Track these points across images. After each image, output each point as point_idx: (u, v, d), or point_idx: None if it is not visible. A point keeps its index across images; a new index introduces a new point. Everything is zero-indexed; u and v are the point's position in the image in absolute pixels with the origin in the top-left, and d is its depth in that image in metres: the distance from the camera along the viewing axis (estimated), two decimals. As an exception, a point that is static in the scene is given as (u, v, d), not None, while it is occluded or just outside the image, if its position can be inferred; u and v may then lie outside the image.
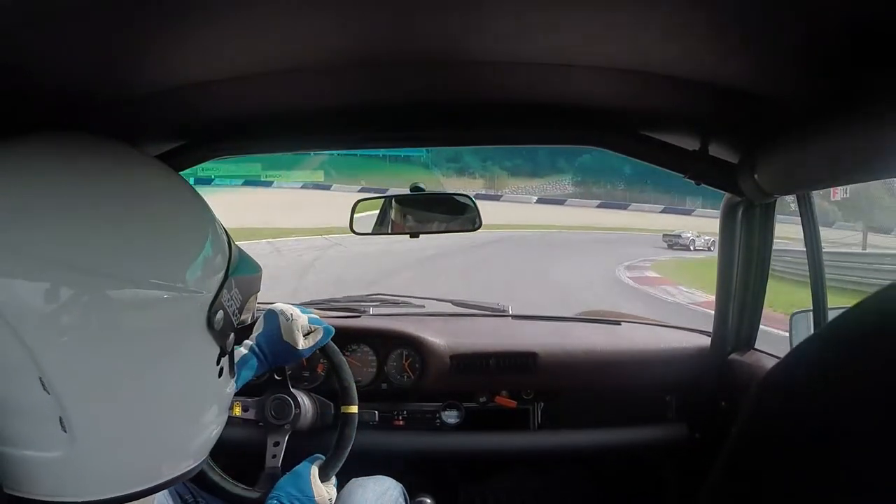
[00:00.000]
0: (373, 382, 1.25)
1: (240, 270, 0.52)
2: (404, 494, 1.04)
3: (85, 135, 0.49)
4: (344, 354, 1.00)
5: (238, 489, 0.94)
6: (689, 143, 0.94)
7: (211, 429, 0.54)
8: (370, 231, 1.20)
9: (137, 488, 0.47)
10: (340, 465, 0.91)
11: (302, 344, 0.91)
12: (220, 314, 0.48)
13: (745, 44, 0.61)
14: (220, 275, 0.49)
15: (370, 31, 0.60)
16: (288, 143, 0.97)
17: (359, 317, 1.44)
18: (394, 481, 1.05)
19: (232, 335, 0.52)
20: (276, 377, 1.03)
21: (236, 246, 0.54)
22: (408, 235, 1.19)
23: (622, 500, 1.35)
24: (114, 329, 0.42)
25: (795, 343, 1.10)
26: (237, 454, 1.03)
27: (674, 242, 17.54)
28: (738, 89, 0.72)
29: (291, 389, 1.03)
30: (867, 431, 0.21)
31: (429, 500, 1.12)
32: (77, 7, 0.46)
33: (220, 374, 0.51)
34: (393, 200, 1.17)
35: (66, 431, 0.42)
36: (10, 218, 0.41)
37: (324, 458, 0.89)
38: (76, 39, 0.53)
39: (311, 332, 0.93)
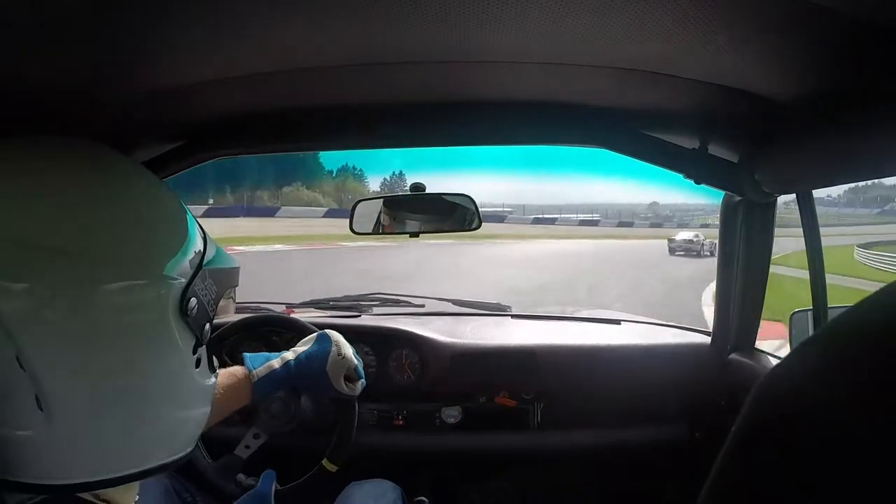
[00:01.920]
0: (372, 382, 1.25)
1: (215, 262, 0.54)
2: (402, 497, 1.04)
3: (68, 137, 0.51)
4: None
5: (202, 456, 0.95)
6: (690, 143, 0.94)
7: (192, 419, 0.54)
8: (370, 231, 1.20)
9: (114, 474, 0.48)
10: (295, 492, 0.91)
11: (341, 386, 0.89)
12: (193, 301, 0.49)
13: (746, 44, 0.61)
14: (194, 263, 0.51)
15: (370, 32, 0.60)
16: (288, 143, 0.97)
17: (358, 316, 1.44)
18: (392, 484, 1.04)
19: (208, 326, 0.53)
20: None
21: (212, 241, 0.56)
22: (407, 235, 1.19)
23: (622, 499, 1.35)
24: (88, 310, 0.44)
25: (795, 343, 1.10)
26: (222, 437, 1.02)
27: (685, 248, 16.29)
28: (738, 89, 0.72)
29: (300, 395, 1.01)
30: (868, 433, 0.21)
31: (427, 501, 1.11)
32: (77, 8, 0.46)
33: (197, 365, 0.52)
34: (393, 200, 1.17)
35: (41, 410, 0.44)
36: None
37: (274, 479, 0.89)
38: (76, 40, 0.53)
39: (354, 380, 0.92)
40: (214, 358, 0.63)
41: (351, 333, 1.27)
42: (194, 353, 0.52)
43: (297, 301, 1.54)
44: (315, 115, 0.88)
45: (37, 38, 0.51)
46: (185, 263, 0.50)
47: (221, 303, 0.56)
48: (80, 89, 0.66)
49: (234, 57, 0.65)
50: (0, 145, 0.48)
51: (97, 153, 0.51)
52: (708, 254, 15.49)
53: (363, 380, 0.93)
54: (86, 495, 0.49)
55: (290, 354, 0.88)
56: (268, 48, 0.63)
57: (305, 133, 0.94)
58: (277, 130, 0.93)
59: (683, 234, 17.62)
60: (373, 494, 0.98)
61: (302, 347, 0.90)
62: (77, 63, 0.59)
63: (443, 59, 0.70)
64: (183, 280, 0.49)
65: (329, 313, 1.49)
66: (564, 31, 0.60)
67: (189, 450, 0.55)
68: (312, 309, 1.52)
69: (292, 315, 1.35)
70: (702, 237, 16.56)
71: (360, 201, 1.16)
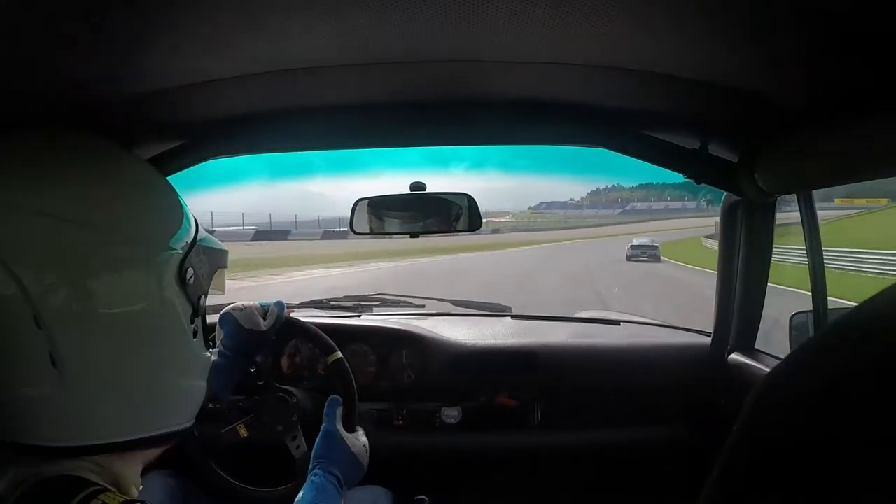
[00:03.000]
0: (373, 382, 1.25)
1: (206, 242, 0.60)
2: (394, 501, 1.04)
3: (79, 131, 0.56)
4: (344, 354, 1.00)
5: (281, 490, 0.95)
6: (690, 143, 0.94)
7: (193, 389, 0.58)
8: (370, 231, 1.20)
9: (121, 437, 0.51)
10: (356, 411, 0.91)
11: (264, 325, 0.95)
12: (190, 272, 0.55)
13: (746, 44, 0.61)
14: (189, 238, 0.57)
15: (371, 32, 0.60)
16: (288, 142, 0.97)
17: (359, 316, 1.44)
18: (383, 490, 1.05)
19: (203, 298, 0.58)
20: (258, 383, 1.03)
21: (202, 227, 0.62)
22: (407, 235, 1.19)
23: (622, 499, 1.35)
24: (99, 272, 0.49)
25: (795, 344, 1.10)
26: (261, 461, 1.02)
27: (649, 253, 15.48)
28: (739, 89, 0.72)
29: (279, 385, 1.03)
30: (867, 436, 0.21)
31: (427, 500, 1.12)
32: (78, 8, 0.46)
33: (194, 335, 0.57)
34: (393, 200, 1.17)
35: (55, 367, 0.47)
36: (7, 179, 0.48)
37: (339, 401, 0.89)
38: (77, 40, 0.53)
39: (268, 312, 0.96)
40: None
41: (351, 333, 1.28)
42: (191, 322, 0.56)
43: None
44: (314, 114, 0.88)
45: (36, 38, 0.51)
46: (182, 237, 0.56)
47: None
48: (80, 89, 0.66)
49: (233, 57, 0.65)
50: (17, 136, 0.52)
51: (106, 144, 0.56)
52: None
53: (273, 304, 0.97)
54: (91, 476, 0.50)
55: (217, 348, 0.93)
56: (267, 48, 0.63)
57: (304, 133, 0.94)
58: (276, 130, 0.93)
59: (640, 240, 17.03)
60: (365, 500, 0.99)
61: (218, 339, 0.95)
62: (77, 63, 0.59)
63: (443, 59, 0.70)
64: (181, 252, 0.55)
65: (329, 313, 1.49)
66: (564, 31, 0.60)
67: (190, 423, 0.59)
68: (313, 309, 1.53)
69: (291, 315, 1.35)
70: (657, 241, 16.21)
71: (359, 201, 1.15)
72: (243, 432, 0.97)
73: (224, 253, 0.66)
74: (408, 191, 1.11)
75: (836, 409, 0.22)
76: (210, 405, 0.97)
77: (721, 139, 0.92)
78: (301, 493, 0.76)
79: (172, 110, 0.81)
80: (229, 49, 0.62)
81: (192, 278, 0.55)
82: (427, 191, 1.11)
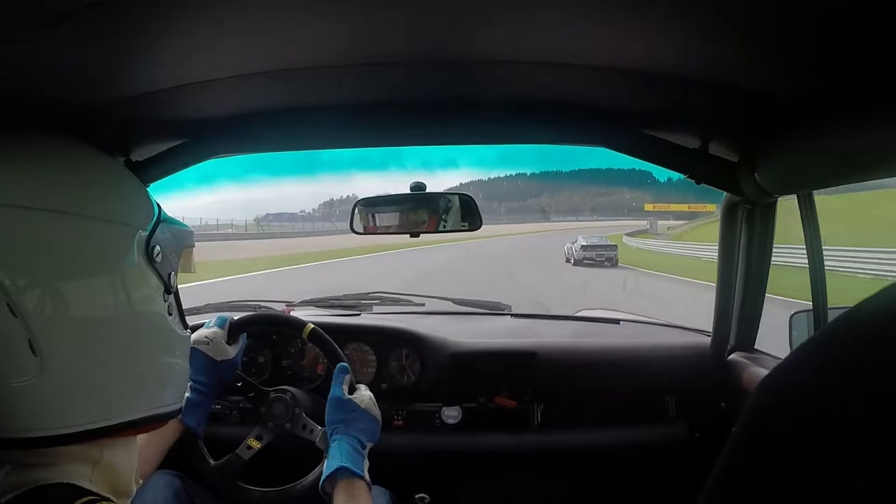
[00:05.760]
0: (372, 382, 1.25)
1: (171, 222, 0.62)
2: (394, 501, 1.04)
3: (39, 130, 0.58)
4: (344, 353, 1.00)
5: (311, 476, 0.94)
6: (690, 142, 0.94)
7: (174, 369, 0.60)
8: (370, 231, 1.20)
9: (107, 422, 0.51)
10: (350, 373, 0.94)
11: (232, 351, 0.98)
12: (157, 249, 0.57)
13: (746, 43, 0.61)
14: (154, 218, 0.59)
15: (371, 31, 0.60)
16: (288, 141, 0.97)
17: (359, 315, 1.44)
18: (381, 489, 1.05)
19: (173, 275, 0.60)
20: (249, 395, 1.03)
21: (164, 211, 0.64)
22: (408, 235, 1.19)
23: (622, 500, 1.35)
24: (70, 254, 0.49)
25: (795, 344, 1.10)
26: (288, 463, 1.02)
27: (606, 256, 12.74)
28: (739, 88, 0.72)
29: (262, 386, 1.03)
30: (868, 436, 0.21)
31: (428, 499, 1.11)
32: (78, 7, 0.46)
33: (170, 313, 0.59)
34: (393, 200, 1.17)
35: (36, 355, 0.47)
36: None
37: (347, 368, 0.93)
38: (78, 40, 0.53)
39: (231, 336, 0.99)
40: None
41: (351, 332, 1.28)
42: (164, 300, 0.58)
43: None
44: (314, 114, 0.88)
45: (36, 38, 0.51)
46: (145, 216, 0.58)
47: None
48: (80, 89, 0.66)
49: (233, 57, 0.65)
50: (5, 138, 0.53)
51: (64, 138, 0.57)
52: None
53: (218, 318, 0.99)
54: (87, 483, 0.49)
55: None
56: (267, 48, 0.63)
57: (304, 132, 0.94)
58: (276, 130, 0.93)
59: (592, 239, 14.32)
60: None
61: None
62: (77, 63, 0.59)
63: (443, 59, 0.70)
64: (146, 230, 0.57)
65: (329, 312, 1.49)
66: (564, 31, 0.60)
67: (178, 407, 0.61)
68: (312, 307, 1.53)
69: (291, 314, 1.35)
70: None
71: (360, 201, 1.15)
72: (255, 444, 0.98)
73: (189, 233, 0.68)
74: (415, 191, 1.11)
75: (836, 409, 0.22)
76: (213, 406, 0.98)
77: (721, 139, 0.92)
78: (326, 461, 0.82)
79: (172, 110, 0.81)
80: (229, 49, 0.62)
81: (160, 255, 0.57)
82: (427, 191, 1.11)
